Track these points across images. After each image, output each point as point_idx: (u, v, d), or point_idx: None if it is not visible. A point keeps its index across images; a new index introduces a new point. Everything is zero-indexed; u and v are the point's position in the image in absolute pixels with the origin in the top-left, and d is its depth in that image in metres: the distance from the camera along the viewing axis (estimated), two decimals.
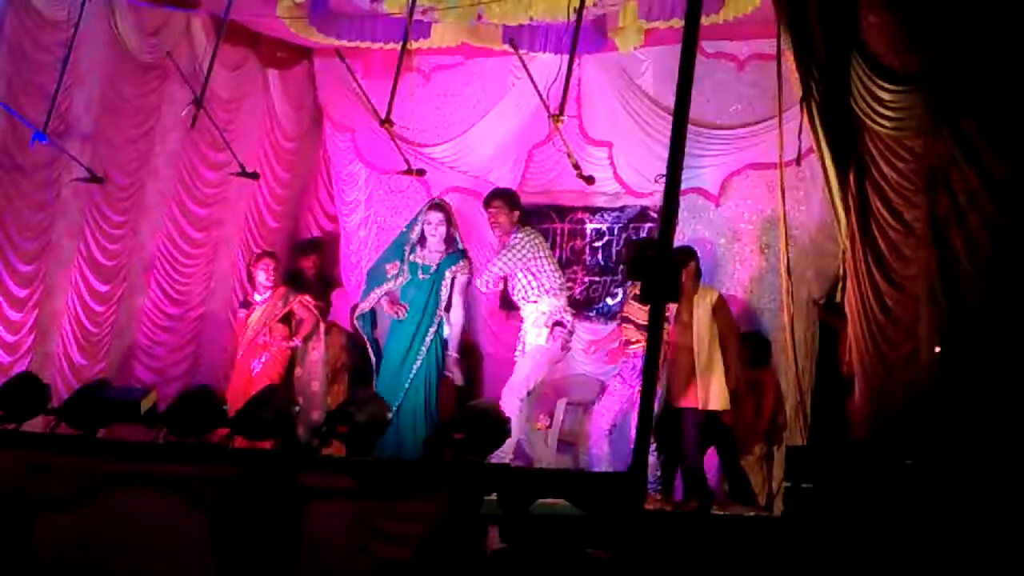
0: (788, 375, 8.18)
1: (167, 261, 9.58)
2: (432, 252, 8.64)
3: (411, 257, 8.65)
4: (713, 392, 7.87)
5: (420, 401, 8.46)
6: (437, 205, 8.81)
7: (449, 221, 8.68)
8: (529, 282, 8.32)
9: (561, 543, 5.23)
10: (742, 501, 8.05)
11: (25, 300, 8.48)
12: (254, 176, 9.46)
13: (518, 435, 8.10)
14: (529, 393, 8.26)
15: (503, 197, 8.57)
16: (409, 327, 8.54)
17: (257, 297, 9.20)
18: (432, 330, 8.54)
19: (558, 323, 8.27)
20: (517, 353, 8.47)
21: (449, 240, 8.67)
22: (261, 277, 9.17)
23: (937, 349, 6.48)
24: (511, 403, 7.98)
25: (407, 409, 8.40)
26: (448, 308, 8.62)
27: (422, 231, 8.66)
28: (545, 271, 8.32)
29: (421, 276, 8.61)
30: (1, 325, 8.35)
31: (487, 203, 8.60)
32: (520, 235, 8.38)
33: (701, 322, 7.94)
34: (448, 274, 8.61)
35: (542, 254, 8.38)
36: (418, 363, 8.49)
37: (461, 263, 8.66)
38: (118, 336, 9.28)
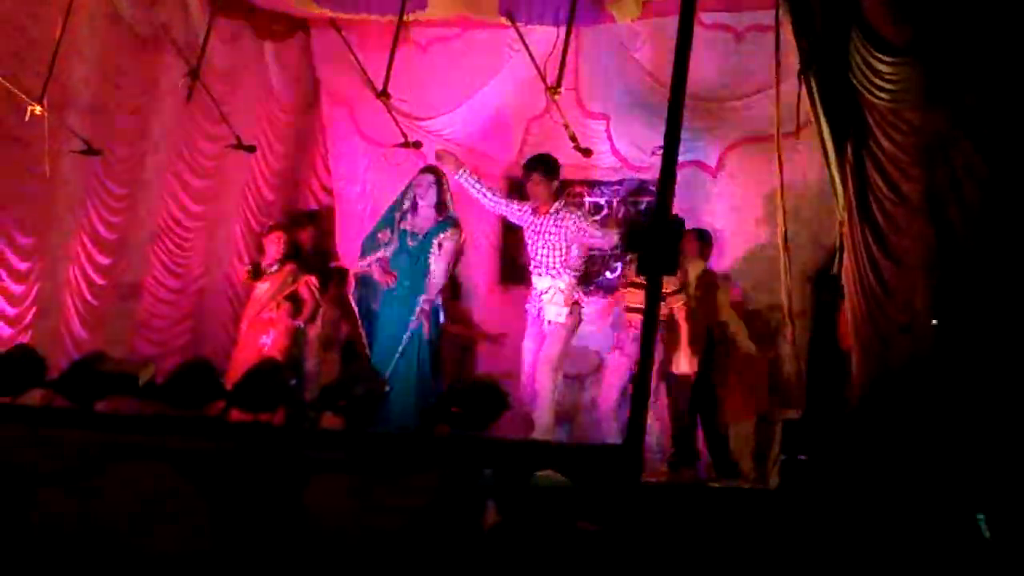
0: (785, 347, 8.20)
1: (167, 234, 9.57)
2: (422, 219, 8.51)
3: (402, 225, 8.58)
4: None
5: (412, 371, 8.39)
6: (429, 168, 8.70)
7: (440, 184, 8.58)
8: (562, 255, 8.27)
9: (558, 516, 5.24)
10: (724, 474, 8.10)
11: (27, 273, 8.47)
12: (251, 149, 9.45)
13: (554, 409, 8.18)
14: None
15: (544, 166, 8.42)
16: (398, 297, 8.51)
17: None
18: (422, 298, 8.50)
19: (576, 301, 8.28)
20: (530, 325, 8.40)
21: (441, 207, 8.57)
22: (272, 250, 9.16)
23: (934, 322, 6.49)
24: (546, 378, 7.99)
25: (398, 379, 8.33)
26: None
27: (414, 197, 8.60)
28: (575, 248, 8.30)
29: (410, 243, 8.52)
30: (3, 298, 8.34)
31: (527, 171, 8.46)
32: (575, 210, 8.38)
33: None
34: (435, 241, 8.54)
35: None
36: (408, 333, 8.46)
37: (450, 231, 8.51)
38: (119, 309, 9.27)
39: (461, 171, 8.39)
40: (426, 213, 8.52)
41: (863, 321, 6.91)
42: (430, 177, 8.54)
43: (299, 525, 5.47)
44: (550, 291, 8.21)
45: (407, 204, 8.60)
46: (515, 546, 5.05)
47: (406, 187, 8.71)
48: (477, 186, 8.42)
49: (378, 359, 8.39)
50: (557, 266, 8.18)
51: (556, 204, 8.26)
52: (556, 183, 8.34)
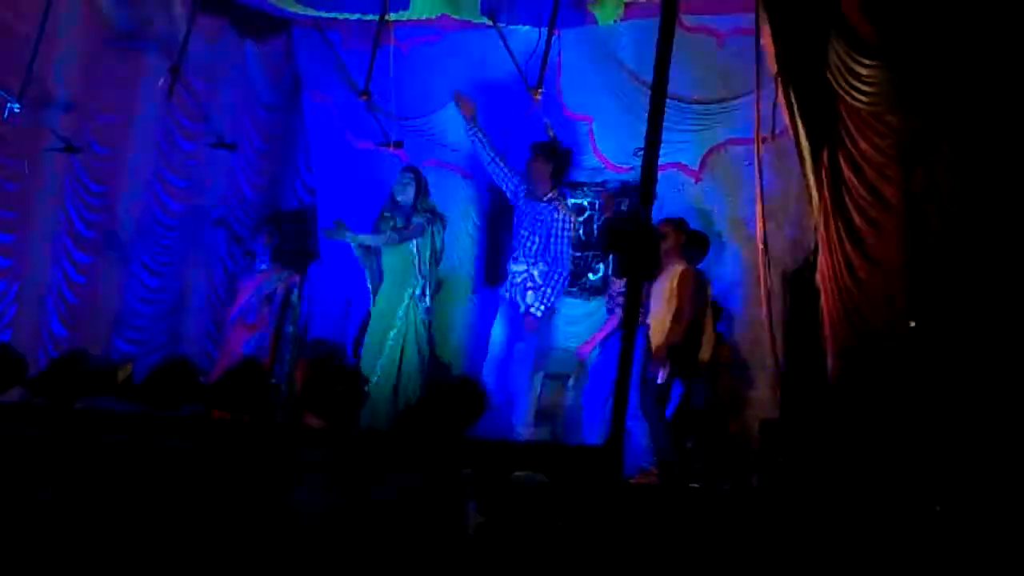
0: (764, 348, 8.21)
1: (148, 232, 9.55)
2: (403, 216, 8.63)
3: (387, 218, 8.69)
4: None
5: (394, 371, 8.40)
6: (408, 168, 8.84)
7: (418, 183, 8.66)
8: (542, 242, 8.34)
9: (539, 516, 5.26)
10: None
11: (6, 271, 8.45)
12: (232, 147, 9.44)
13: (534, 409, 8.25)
14: None
15: (546, 150, 8.56)
16: (386, 293, 8.54)
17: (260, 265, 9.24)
18: (408, 294, 8.50)
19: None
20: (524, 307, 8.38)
21: (419, 203, 8.63)
22: (259, 248, 9.18)
23: (912, 324, 6.53)
24: (524, 377, 8.09)
25: (384, 379, 8.34)
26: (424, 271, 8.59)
27: (393, 195, 8.68)
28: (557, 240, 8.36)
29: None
30: None
31: (532, 152, 8.59)
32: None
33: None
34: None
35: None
36: (394, 331, 8.47)
37: (434, 225, 8.62)
38: (99, 308, 9.25)
39: (473, 128, 8.61)
40: (406, 211, 8.58)
41: (839, 323, 6.95)
42: (408, 175, 8.63)
43: (283, 524, 5.46)
44: (521, 277, 8.27)
45: (390, 204, 8.68)
46: (498, 546, 5.07)
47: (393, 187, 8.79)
48: (485, 144, 8.60)
49: (367, 359, 8.40)
50: (536, 253, 8.23)
51: (552, 192, 8.36)
52: (555, 170, 8.45)
